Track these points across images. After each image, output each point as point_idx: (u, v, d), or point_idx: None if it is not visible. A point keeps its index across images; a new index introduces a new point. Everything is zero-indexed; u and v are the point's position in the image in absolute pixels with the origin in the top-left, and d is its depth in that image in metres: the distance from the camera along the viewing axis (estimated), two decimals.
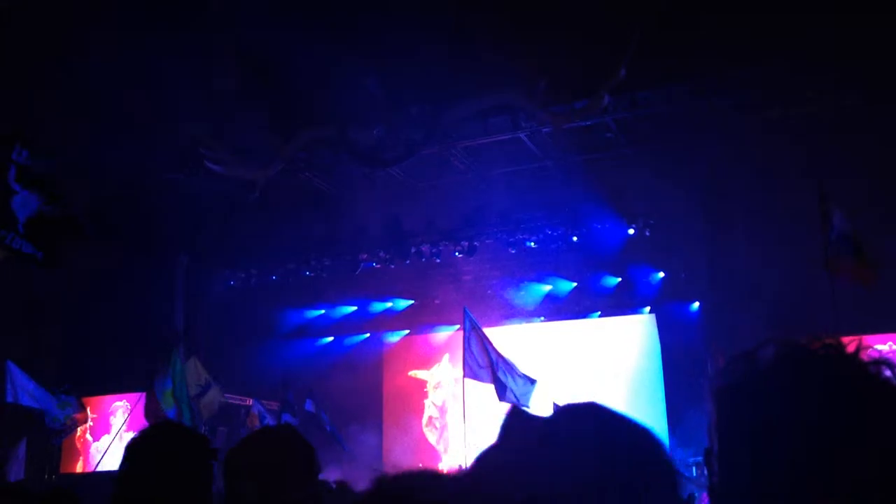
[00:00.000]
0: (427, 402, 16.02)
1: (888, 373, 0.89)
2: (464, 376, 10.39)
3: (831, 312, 7.61)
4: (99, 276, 13.56)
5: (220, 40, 10.13)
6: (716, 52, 10.21)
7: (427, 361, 16.22)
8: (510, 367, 10.82)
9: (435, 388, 15.97)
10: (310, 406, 13.59)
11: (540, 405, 11.74)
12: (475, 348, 10.60)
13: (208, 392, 12.42)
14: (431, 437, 15.77)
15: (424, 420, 15.90)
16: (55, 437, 13.27)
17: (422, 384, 16.18)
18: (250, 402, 14.14)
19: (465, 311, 10.83)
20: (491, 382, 10.58)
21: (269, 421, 13.11)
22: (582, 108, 11.41)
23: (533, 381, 10.93)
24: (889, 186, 10.97)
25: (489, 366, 10.57)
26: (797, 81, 11.06)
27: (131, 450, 2.41)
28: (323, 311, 17.15)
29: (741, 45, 10.08)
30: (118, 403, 16.43)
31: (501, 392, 10.63)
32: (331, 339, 17.16)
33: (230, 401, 14.77)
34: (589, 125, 11.78)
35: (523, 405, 10.48)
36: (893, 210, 10.76)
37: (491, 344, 10.88)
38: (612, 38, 9.79)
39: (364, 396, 15.83)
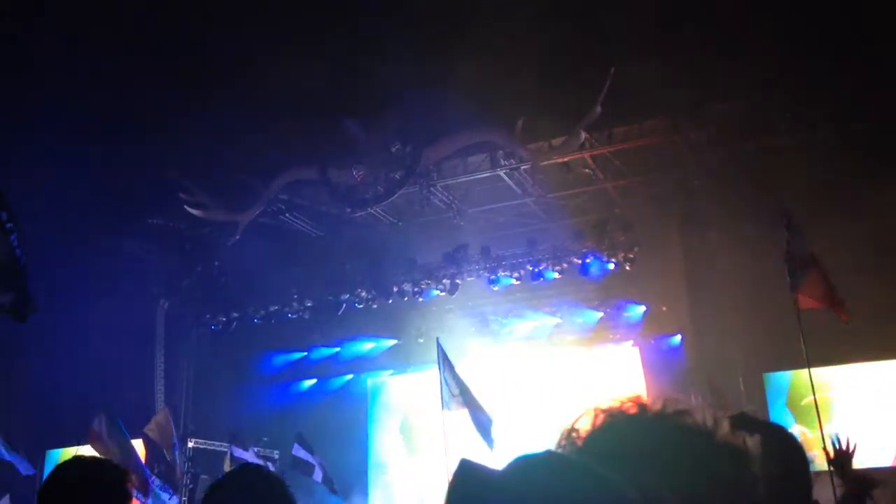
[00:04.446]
0: (414, 442, 15.85)
1: (690, 420, 0.91)
2: (441, 408, 10.32)
3: (802, 344, 7.63)
4: (75, 320, 13.38)
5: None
6: (690, 87, 10.40)
7: (411, 400, 16.09)
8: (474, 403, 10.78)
9: (421, 426, 15.82)
10: (298, 451, 13.38)
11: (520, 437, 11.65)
12: (448, 378, 10.59)
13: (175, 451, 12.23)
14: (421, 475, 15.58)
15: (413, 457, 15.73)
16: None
17: (408, 424, 16.02)
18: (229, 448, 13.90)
19: (437, 342, 10.84)
20: (464, 408, 10.55)
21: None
22: (559, 145, 11.56)
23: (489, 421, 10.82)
24: (861, 217, 11.13)
25: (460, 394, 10.56)
26: (771, 114, 11.28)
27: (47, 490, 2.38)
28: (305, 353, 17.01)
29: (715, 79, 10.28)
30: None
31: (476, 423, 10.58)
32: (314, 381, 17.00)
33: (211, 448, 14.52)
34: (567, 161, 11.90)
35: (488, 440, 10.43)
36: (865, 242, 10.90)
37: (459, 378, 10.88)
38: (588, 75, 9.95)
39: (349, 438, 15.64)
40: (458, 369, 11.05)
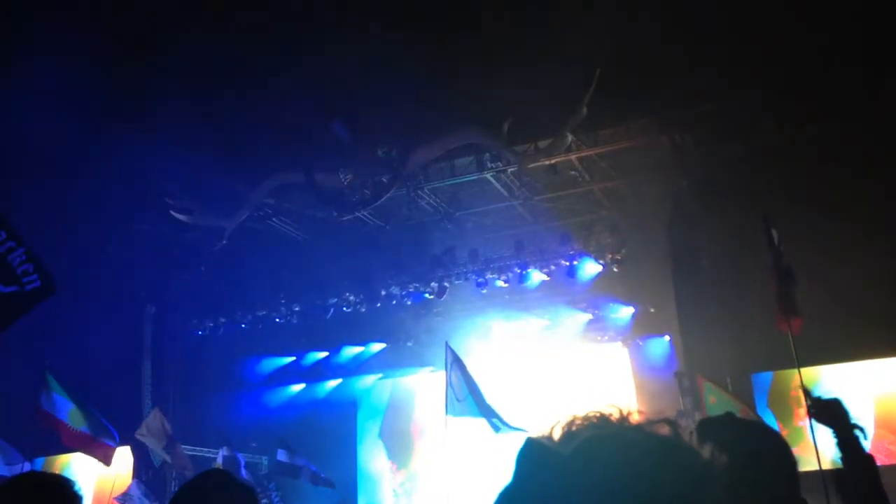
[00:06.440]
0: (405, 446, 15.81)
1: (666, 430, 0.91)
2: (445, 413, 10.15)
3: (794, 343, 7.60)
4: (62, 326, 13.27)
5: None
6: (675, 88, 10.43)
7: (401, 405, 16.04)
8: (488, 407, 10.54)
9: (412, 430, 15.78)
10: (282, 456, 13.31)
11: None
12: (455, 382, 10.36)
13: (173, 449, 12.03)
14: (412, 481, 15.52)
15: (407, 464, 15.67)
16: None
17: (398, 428, 15.97)
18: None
19: (446, 345, 10.67)
20: (478, 415, 10.27)
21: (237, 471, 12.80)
22: (546, 147, 11.57)
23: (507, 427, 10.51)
24: (850, 216, 11.18)
25: (471, 396, 10.29)
26: (756, 115, 11.33)
27: None
28: (294, 358, 16.93)
29: (700, 81, 10.32)
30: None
31: (491, 423, 10.34)
32: (303, 386, 16.92)
33: (199, 453, 14.43)
34: (553, 163, 11.91)
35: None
36: (855, 241, 10.95)
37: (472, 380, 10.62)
38: (573, 78, 9.97)
39: (337, 444, 15.58)
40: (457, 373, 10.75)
